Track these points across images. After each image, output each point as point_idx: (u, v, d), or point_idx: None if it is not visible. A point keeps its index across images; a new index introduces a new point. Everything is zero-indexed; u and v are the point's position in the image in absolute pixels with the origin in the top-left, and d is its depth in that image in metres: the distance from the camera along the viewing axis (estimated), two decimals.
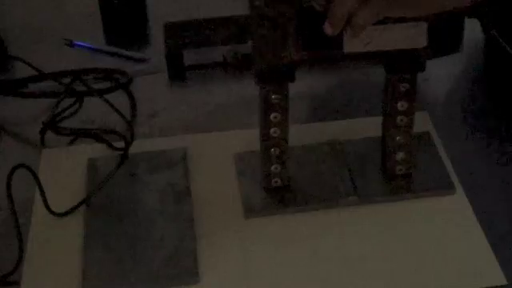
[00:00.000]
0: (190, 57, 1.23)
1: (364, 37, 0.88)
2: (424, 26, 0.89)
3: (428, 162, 1.03)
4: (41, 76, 1.19)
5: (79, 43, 1.28)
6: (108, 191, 1.00)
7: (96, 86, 1.16)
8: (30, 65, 1.19)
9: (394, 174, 1.01)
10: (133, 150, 1.05)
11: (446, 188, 1.00)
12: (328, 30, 0.85)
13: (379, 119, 0.99)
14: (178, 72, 1.23)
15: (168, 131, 1.11)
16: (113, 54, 1.26)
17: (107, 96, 1.13)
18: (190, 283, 0.90)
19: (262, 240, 0.95)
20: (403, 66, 0.94)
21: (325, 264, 0.92)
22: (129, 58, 1.25)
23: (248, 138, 1.03)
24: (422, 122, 1.06)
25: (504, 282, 0.89)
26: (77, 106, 1.15)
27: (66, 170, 1.05)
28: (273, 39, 0.89)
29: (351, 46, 0.89)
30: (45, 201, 0.97)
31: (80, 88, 1.16)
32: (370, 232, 0.96)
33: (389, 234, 0.95)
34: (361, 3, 0.83)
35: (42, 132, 1.09)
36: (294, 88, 0.95)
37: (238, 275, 0.91)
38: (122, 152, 1.05)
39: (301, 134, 1.04)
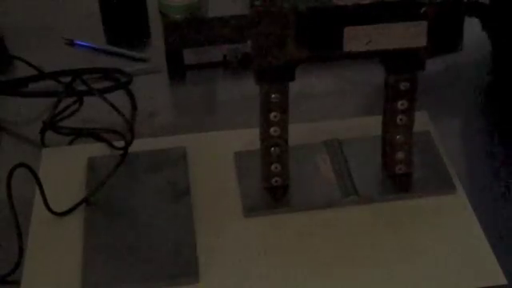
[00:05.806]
0: (190, 56, 1.23)
1: (364, 36, 0.88)
2: (424, 24, 0.90)
3: (428, 162, 1.03)
4: (41, 75, 1.19)
5: (79, 42, 1.28)
6: (108, 190, 1.00)
7: (96, 86, 1.16)
8: (30, 64, 1.20)
9: (393, 173, 1.01)
10: (133, 149, 1.05)
11: (446, 188, 1.00)
12: None
13: (379, 119, 0.99)
14: (177, 72, 1.23)
15: (168, 130, 1.11)
16: (113, 54, 1.26)
17: (107, 95, 1.13)
18: (190, 283, 0.90)
19: (261, 240, 0.95)
20: (403, 65, 0.93)
21: (325, 264, 0.92)
22: (129, 58, 1.25)
23: (248, 138, 1.03)
24: (421, 122, 1.06)
25: (504, 281, 0.89)
26: (77, 105, 1.15)
27: (66, 169, 1.05)
28: (272, 38, 0.89)
29: (351, 45, 0.90)
30: (45, 200, 0.97)
31: (80, 87, 1.16)
32: (369, 232, 0.95)
33: (388, 233, 0.95)
34: None
35: (42, 131, 1.09)
36: (294, 88, 0.95)
37: (238, 275, 0.91)
38: (122, 151, 1.05)
39: (301, 133, 1.04)
